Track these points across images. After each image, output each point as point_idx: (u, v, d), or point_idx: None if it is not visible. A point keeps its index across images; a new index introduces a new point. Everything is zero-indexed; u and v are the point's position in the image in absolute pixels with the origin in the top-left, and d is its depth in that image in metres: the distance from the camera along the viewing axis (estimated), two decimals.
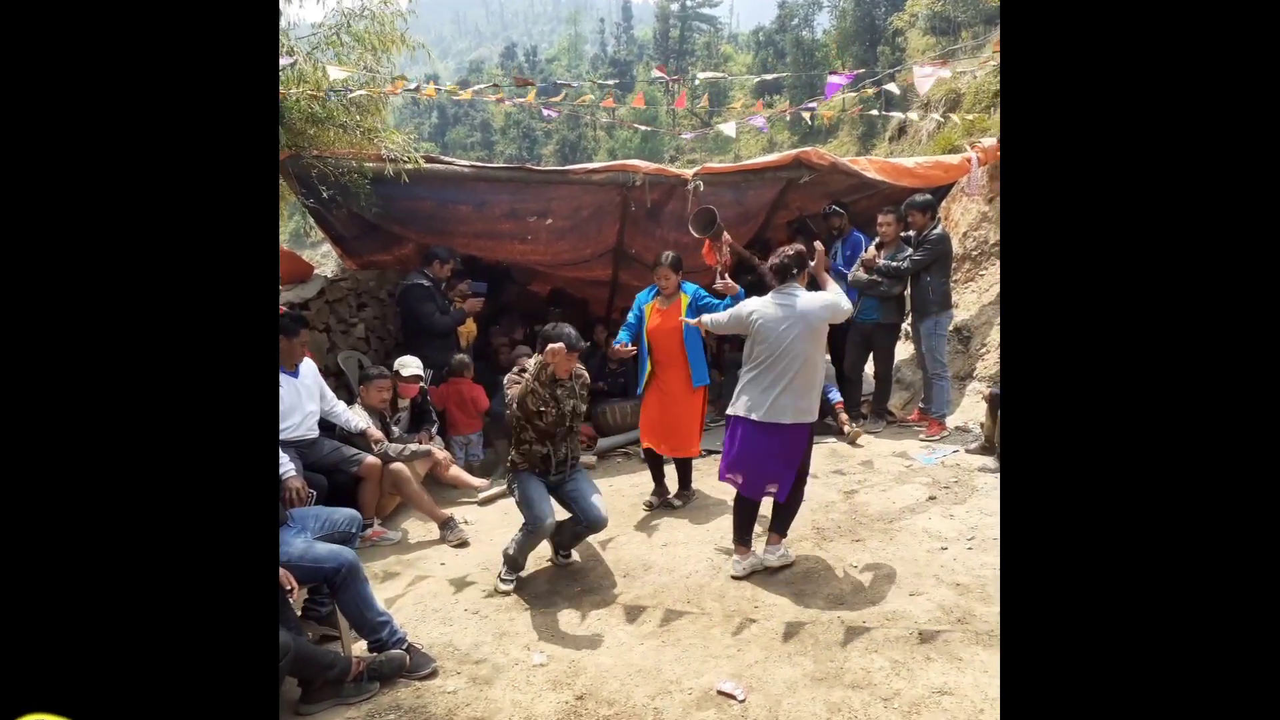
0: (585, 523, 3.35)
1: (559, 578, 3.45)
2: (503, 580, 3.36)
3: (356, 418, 4.14)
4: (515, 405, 3.30)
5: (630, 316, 4.20)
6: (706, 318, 3.69)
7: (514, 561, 3.37)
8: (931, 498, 4.02)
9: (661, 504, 4.29)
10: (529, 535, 3.27)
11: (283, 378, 3.76)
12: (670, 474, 4.38)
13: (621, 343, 4.03)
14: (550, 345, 3.19)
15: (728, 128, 6.42)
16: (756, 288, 6.20)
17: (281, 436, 3.61)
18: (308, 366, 3.96)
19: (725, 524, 3.84)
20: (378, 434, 4.11)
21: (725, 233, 4.97)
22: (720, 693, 2.46)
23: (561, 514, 3.37)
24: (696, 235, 4.99)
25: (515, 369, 3.38)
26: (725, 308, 3.70)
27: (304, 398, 3.86)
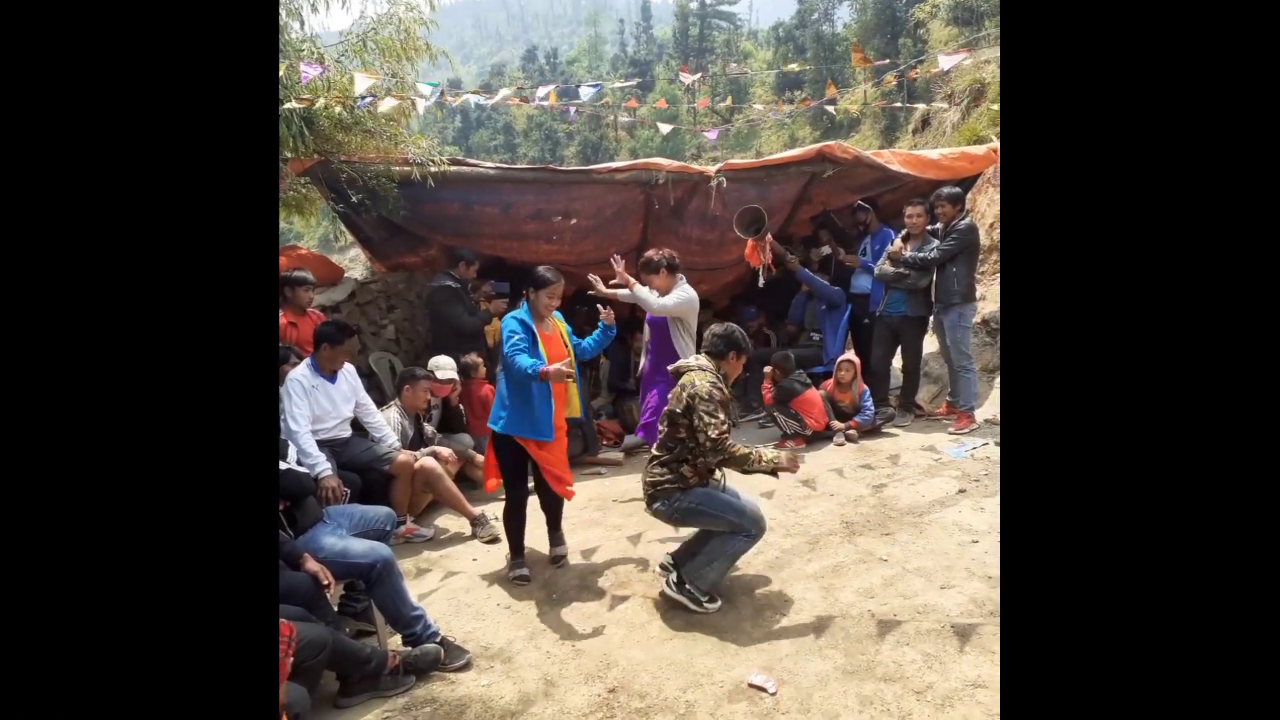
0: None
1: (588, 572, 3.48)
2: (708, 605, 2.99)
3: (392, 436, 4.17)
4: (719, 424, 2.91)
5: (520, 341, 3.33)
6: (650, 295, 3.97)
7: (717, 587, 3.05)
8: (961, 491, 3.99)
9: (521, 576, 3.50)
10: (748, 542, 3.03)
11: (320, 383, 3.83)
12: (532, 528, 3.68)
13: (548, 369, 3.18)
14: (736, 353, 3.14)
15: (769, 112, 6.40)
16: (782, 283, 6.25)
17: (316, 438, 3.69)
18: (346, 371, 4.02)
19: None
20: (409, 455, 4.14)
21: (769, 233, 5.02)
22: (752, 685, 2.48)
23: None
24: (741, 235, 5.08)
25: (705, 376, 3.00)
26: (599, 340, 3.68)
27: (339, 402, 3.93)
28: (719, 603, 3.01)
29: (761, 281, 5.41)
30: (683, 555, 3.12)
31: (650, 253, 4.18)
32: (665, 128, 6.95)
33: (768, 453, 2.98)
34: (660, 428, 3.11)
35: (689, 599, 3.00)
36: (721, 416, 2.93)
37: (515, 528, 3.54)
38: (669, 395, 3.11)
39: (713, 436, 2.88)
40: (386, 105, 4.68)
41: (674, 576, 3.06)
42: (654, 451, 3.14)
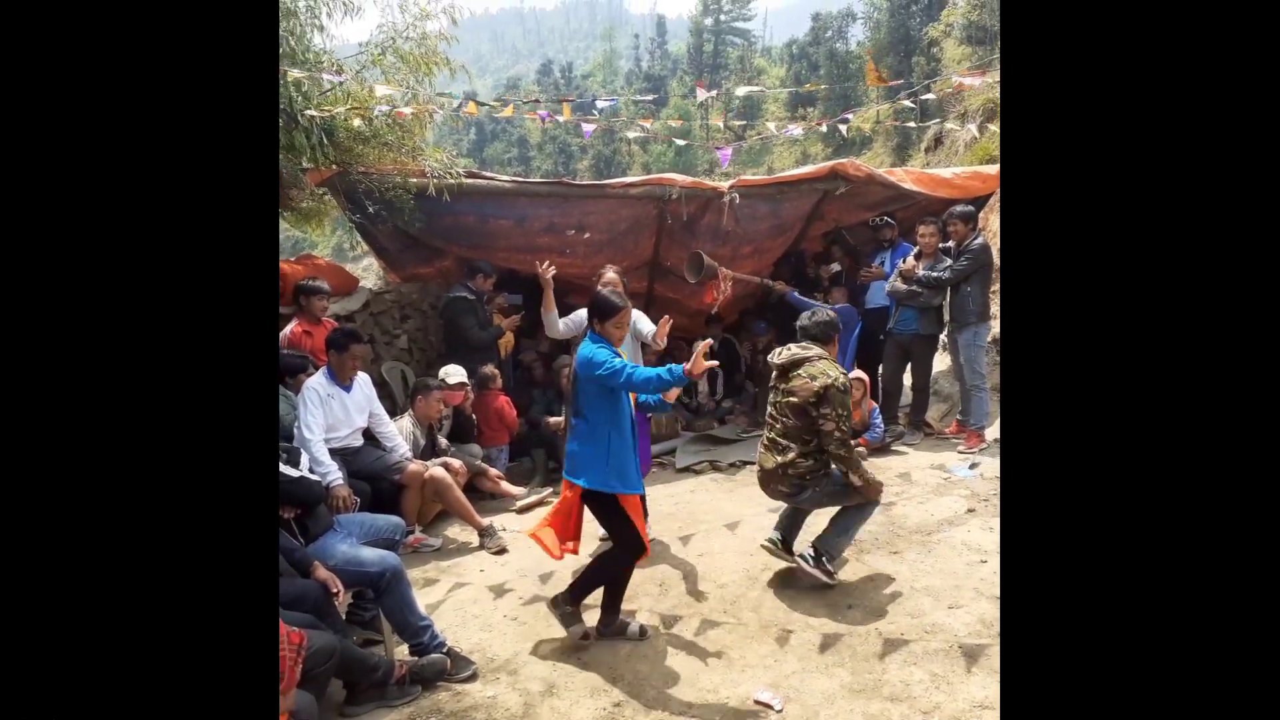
0: None
1: None
2: (834, 576, 3.23)
3: (403, 446, 4.19)
4: (847, 418, 3.13)
5: (617, 359, 2.77)
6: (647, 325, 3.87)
7: (841, 550, 3.33)
8: (970, 510, 3.97)
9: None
10: (874, 509, 3.35)
11: (335, 391, 3.87)
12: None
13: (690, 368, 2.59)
14: (836, 337, 3.37)
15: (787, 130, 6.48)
16: (778, 306, 6.25)
17: (329, 446, 3.72)
18: (361, 381, 4.06)
19: (758, 535, 3.85)
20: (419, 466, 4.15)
21: (721, 268, 5.06)
22: (758, 702, 2.47)
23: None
24: (693, 281, 5.16)
25: (834, 365, 3.20)
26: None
27: (353, 412, 3.96)
28: (838, 576, 3.27)
29: (715, 310, 5.51)
30: (790, 531, 3.42)
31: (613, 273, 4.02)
32: (679, 142, 6.99)
33: (870, 472, 3.21)
34: (782, 418, 3.21)
35: (824, 573, 3.20)
36: (849, 410, 3.15)
37: (624, 584, 3.05)
38: (790, 386, 3.17)
39: (844, 430, 3.09)
40: (407, 110, 4.73)
41: (810, 552, 3.26)
42: (781, 441, 3.20)
